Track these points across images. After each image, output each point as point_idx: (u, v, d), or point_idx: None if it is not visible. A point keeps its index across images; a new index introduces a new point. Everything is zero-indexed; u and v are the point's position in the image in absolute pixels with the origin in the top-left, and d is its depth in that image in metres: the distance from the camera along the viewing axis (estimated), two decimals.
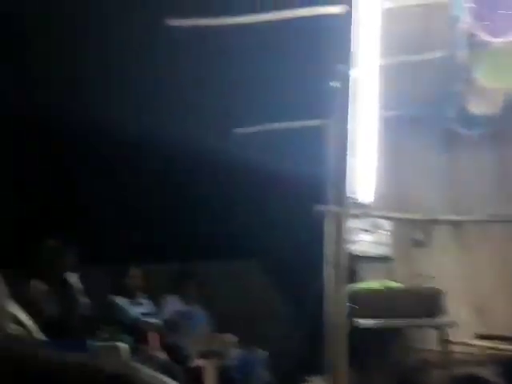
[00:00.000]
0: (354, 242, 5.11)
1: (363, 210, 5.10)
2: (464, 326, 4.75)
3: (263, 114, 5.41)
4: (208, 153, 5.46)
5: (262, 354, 5.21)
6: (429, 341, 4.42)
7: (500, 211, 5.23)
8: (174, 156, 5.52)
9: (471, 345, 4.58)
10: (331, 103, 4.68)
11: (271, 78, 5.44)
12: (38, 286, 4.03)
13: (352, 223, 4.96)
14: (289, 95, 5.45)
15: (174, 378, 4.03)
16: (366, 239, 5.24)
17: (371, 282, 4.73)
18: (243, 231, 5.71)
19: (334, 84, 4.52)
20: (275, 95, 5.50)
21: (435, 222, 5.25)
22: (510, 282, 5.06)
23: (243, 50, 5.30)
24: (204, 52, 5.51)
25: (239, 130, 5.42)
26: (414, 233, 5.23)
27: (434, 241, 5.21)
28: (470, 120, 5.05)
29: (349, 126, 4.54)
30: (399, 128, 5.23)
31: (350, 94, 4.49)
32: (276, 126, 5.46)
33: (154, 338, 4.48)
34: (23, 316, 3.59)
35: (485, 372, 4.68)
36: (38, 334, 3.59)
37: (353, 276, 4.74)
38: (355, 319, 4.03)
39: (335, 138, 4.58)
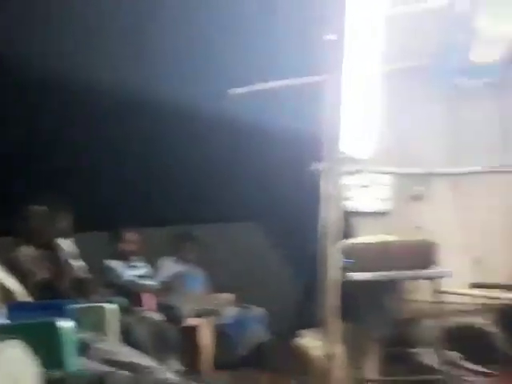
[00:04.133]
0: (352, 198, 5.09)
1: (361, 166, 5.06)
2: (462, 277, 4.71)
3: (257, 73, 5.34)
4: (204, 114, 5.41)
5: (257, 311, 5.24)
6: (424, 292, 4.39)
7: (502, 162, 5.14)
8: (169, 117, 5.48)
9: (467, 294, 4.55)
10: (327, 58, 4.60)
11: (264, 35, 5.35)
12: (27, 251, 4.06)
13: (350, 179, 4.92)
14: (283, 51, 5.36)
15: (168, 337, 4.08)
16: (365, 194, 5.21)
17: (368, 237, 4.70)
18: (240, 193, 5.69)
19: (330, 37, 4.43)
20: (269, 52, 5.42)
21: (435, 174, 5.19)
22: (507, 232, 4.99)
23: (236, 7, 5.21)
24: (197, 10, 5.43)
25: (233, 90, 5.36)
26: (413, 186, 5.19)
27: (434, 194, 5.16)
28: (472, 70, 4.94)
29: (347, 81, 4.46)
30: (399, 80, 5.14)
31: (345, 48, 4.40)
32: (270, 84, 5.39)
33: (148, 300, 4.52)
34: (10, 281, 3.62)
35: (480, 321, 4.65)
36: (27, 298, 3.63)
37: (350, 232, 4.72)
38: (349, 273, 4.02)
39: (330, 93, 4.51)
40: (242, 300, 5.21)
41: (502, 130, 5.15)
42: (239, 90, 5.40)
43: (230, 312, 5.03)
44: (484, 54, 4.87)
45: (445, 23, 4.97)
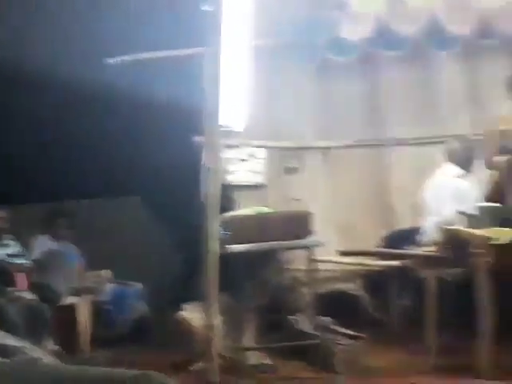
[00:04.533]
0: (229, 172, 5.15)
1: (238, 140, 5.12)
2: (332, 245, 4.95)
3: (135, 43, 5.20)
4: (78, 84, 5.20)
5: (136, 286, 5.21)
6: (299, 261, 4.57)
7: (370, 136, 5.42)
8: (42, 89, 5.22)
9: (338, 262, 4.79)
10: (204, 29, 4.57)
11: (142, 5, 5.21)
12: None
13: (227, 153, 4.97)
14: (161, 22, 5.26)
15: (42, 317, 3.95)
16: (242, 168, 5.29)
17: (245, 209, 4.80)
18: (119, 167, 5.57)
19: (206, 8, 4.40)
20: (147, 23, 5.28)
21: (307, 148, 5.37)
22: (374, 202, 5.30)
23: None
24: None
25: (110, 60, 5.20)
26: (287, 160, 5.34)
27: (306, 167, 5.35)
28: (341, 45, 5.10)
29: (222, 54, 4.46)
30: (271, 55, 5.23)
31: (222, 19, 4.39)
32: (149, 55, 5.29)
33: (21, 279, 4.35)
34: None
35: (349, 286, 4.92)
36: None
37: (228, 205, 4.78)
38: (227, 245, 4.09)
39: (209, 65, 4.50)
40: (123, 276, 5.15)
41: (371, 104, 5.41)
42: (114, 60, 5.25)
43: (108, 289, 4.97)
44: (352, 30, 5.04)
45: None
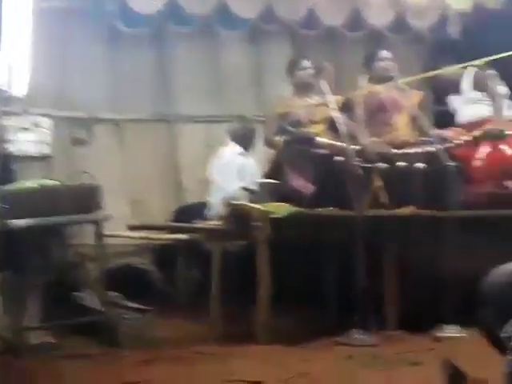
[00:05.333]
0: (10, 141, 4.83)
1: (21, 107, 4.82)
2: (123, 219, 4.92)
3: None
4: None
5: None
6: (87, 236, 4.47)
7: (161, 111, 5.43)
8: None
9: (127, 236, 4.77)
10: None
11: None
12: None
13: (9, 121, 4.66)
14: None
15: None
16: (24, 138, 4.99)
17: (28, 182, 4.56)
18: None
19: None
20: None
21: (96, 120, 5.24)
22: (163, 177, 5.35)
23: None
24: None
25: None
26: (75, 131, 5.16)
27: (96, 139, 5.21)
28: (131, 17, 5.01)
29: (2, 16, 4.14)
30: (57, 20, 4.98)
31: None
32: None
33: None
34: None
35: (139, 261, 4.95)
36: None
37: (8, 176, 4.49)
38: (8, 220, 3.86)
39: None
40: None
41: (162, 80, 5.41)
42: None
43: None
44: (143, 3, 4.98)
45: None
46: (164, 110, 5.42)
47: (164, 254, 4.93)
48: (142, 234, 4.76)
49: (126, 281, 4.53)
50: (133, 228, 4.67)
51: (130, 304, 4.11)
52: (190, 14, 5.03)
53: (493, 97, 4.63)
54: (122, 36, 5.20)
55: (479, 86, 4.72)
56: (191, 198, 5.26)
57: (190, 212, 4.92)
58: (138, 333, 3.92)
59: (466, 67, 4.67)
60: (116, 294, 4.18)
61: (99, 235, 4.03)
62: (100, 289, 4.08)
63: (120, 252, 4.86)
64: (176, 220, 4.93)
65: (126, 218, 4.95)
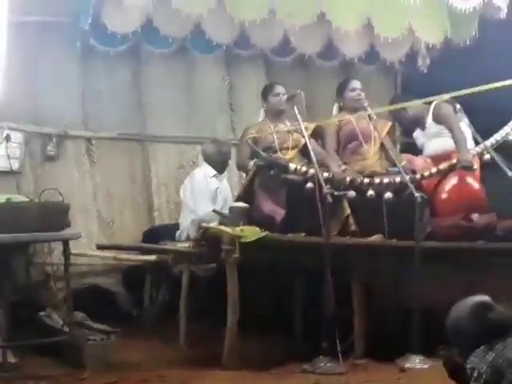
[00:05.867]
0: None
1: None
2: (92, 239, 4.88)
3: None
4: None
5: None
6: (54, 254, 4.42)
7: (132, 129, 5.40)
8: None
9: (95, 256, 4.73)
10: None
11: None
12: None
13: None
14: None
15: None
16: None
17: None
18: None
19: None
20: None
21: (68, 137, 5.19)
22: (134, 197, 5.32)
23: None
24: None
25: None
26: (46, 147, 5.10)
27: (67, 156, 5.16)
28: (105, 35, 5.00)
29: None
30: (31, 34, 4.95)
31: None
32: None
33: None
34: None
35: (106, 281, 4.90)
36: None
37: None
38: None
39: None
40: None
41: (136, 98, 5.40)
42: None
43: None
44: (121, 21, 4.98)
45: None
46: (137, 130, 5.41)
47: (132, 275, 4.89)
48: (111, 254, 4.72)
49: (92, 301, 4.48)
50: (101, 248, 4.62)
51: (96, 325, 4.06)
52: (165, 35, 5.05)
53: (451, 130, 4.73)
54: (96, 53, 5.19)
55: (438, 119, 4.84)
56: (162, 219, 5.24)
57: (161, 233, 4.91)
58: (103, 355, 3.87)
59: (431, 102, 4.81)
60: (82, 314, 4.13)
61: (66, 254, 3.97)
62: (66, 309, 4.02)
63: (87, 272, 4.81)
64: (146, 241, 4.90)
65: (95, 238, 4.91)
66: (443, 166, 4.62)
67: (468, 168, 4.51)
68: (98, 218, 5.10)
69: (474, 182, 4.58)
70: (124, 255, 4.76)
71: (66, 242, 3.94)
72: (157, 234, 4.91)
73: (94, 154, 5.25)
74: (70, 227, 4.01)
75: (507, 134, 4.70)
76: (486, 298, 2.49)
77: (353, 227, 4.31)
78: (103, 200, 5.19)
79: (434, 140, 4.90)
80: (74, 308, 3.96)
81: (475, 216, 4.45)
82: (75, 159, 5.18)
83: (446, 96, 4.72)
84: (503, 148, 4.68)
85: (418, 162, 4.77)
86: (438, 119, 4.84)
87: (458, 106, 4.81)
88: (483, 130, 4.81)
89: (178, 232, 4.79)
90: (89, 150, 5.25)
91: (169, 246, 4.62)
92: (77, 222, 4.61)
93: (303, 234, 4.14)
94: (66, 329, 3.90)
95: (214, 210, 4.50)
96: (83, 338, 3.87)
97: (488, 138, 4.72)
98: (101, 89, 5.29)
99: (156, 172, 5.36)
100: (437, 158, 4.78)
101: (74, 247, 4.07)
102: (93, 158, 5.25)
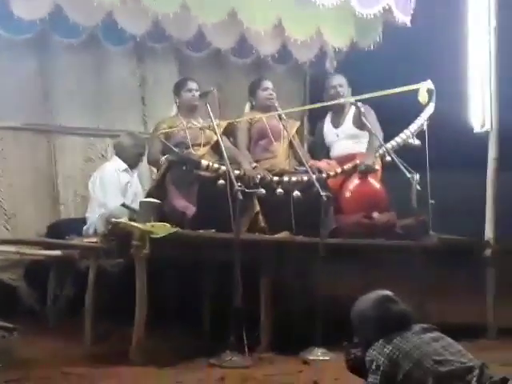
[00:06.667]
0: None
1: None
2: None
3: None
4: None
5: None
6: None
7: (38, 120, 5.22)
8: None
9: None
10: None
11: None
12: None
13: None
14: None
15: None
16: None
17: None
18: None
19: None
20: None
21: None
22: (39, 189, 5.15)
23: None
24: None
25: None
26: None
27: None
28: (12, 23, 4.81)
29: None
30: None
31: None
32: None
33: None
34: None
35: (8, 276, 4.73)
36: None
37: None
38: None
39: None
40: None
41: (43, 89, 5.22)
42: None
43: None
44: (28, 9, 4.81)
45: None
46: (43, 120, 5.23)
47: (36, 270, 4.73)
48: (13, 248, 4.55)
49: None
50: (3, 242, 4.46)
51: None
52: (75, 24, 4.90)
53: (370, 136, 4.91)
54: (1, 41, 4.98)
55: (360, 124, 5.00)
56: (68, 213, 5.10)
57: (66, 227, 4.77)
58: (5, 352, 3.74)
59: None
60: None
61: None
62: None
63: None
64: (51, 235, 4.75)
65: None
66: (347, 166, 4.81)
67: (365, 172, 4.71)
68: (0, 210, 4.92)
69: (375, 182, 4.80)
70: (27, 250, 4.60)
71: None
72: (62, 228, 4.77)
73: None
74: None
75: (407, 137, 4.93)
76: (388, 292, 2.63)
77: (262, 224, 4.39)
78: (6, 192, 4.99)
79: (343, 141, 5.07)
80: None
81: (376, 214, 4.65)
82: None
83: (351, 99, 4.91)
84: (403, 150, 4.90)
85: (322, 164, 4.91)
86: (359, 124, 4.99)
87: (363, 109, 4.98)
88: (385, 133, 5.02)
89: (85, 226, 4.68)
90: None
91: (76, 240, 4.51)
92: None
93: (214, 230, 4.17)
94: None
95: (123, 204, 4.44)
96: None
97: (389, 141, 4.93)
98: (6, 78, 5.08)
99: (63, 164, 5.21)
100: (342, 159, 4.96)
101: None
102: None
